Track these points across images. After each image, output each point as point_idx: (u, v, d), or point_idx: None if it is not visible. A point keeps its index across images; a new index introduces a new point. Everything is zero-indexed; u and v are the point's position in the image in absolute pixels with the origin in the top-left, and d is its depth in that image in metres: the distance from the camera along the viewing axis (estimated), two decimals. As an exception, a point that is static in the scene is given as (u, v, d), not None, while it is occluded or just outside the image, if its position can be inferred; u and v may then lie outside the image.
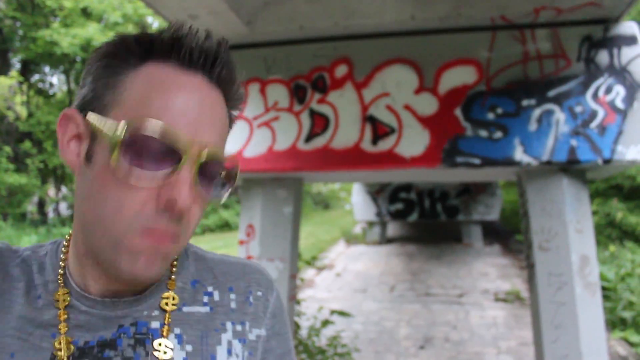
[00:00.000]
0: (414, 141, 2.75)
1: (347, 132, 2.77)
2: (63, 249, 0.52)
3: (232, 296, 0.54)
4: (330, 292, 7.06)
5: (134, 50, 0.46)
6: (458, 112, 2.75)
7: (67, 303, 0.48)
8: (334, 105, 2.79)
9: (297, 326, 3.59)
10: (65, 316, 0.48)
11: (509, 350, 4.61)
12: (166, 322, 0.50)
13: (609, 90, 2.72)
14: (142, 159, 0.42)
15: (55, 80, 14.37)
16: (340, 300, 6.52)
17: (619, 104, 2.72)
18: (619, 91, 2.73)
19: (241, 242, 2.95)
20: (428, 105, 2.76)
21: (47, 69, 12.92)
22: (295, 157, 2.78)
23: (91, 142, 0.45)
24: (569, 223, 2.77)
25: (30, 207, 11.90)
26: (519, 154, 2.71)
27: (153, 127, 0.42)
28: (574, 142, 2.71)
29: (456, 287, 7.23)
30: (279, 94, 2.81)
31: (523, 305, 6.10)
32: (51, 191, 12.35)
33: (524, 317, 5.57)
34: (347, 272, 8.46)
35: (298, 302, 3.60)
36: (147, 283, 0.48)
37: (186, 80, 0.45)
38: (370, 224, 11.01)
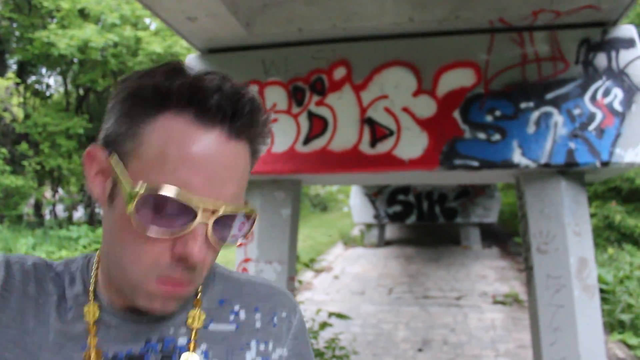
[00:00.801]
0: (412, 143, 2.75)
1: (345, 134, 2.77)
2: (94, 265, 0.54)
3: (258, 316, 0.56)
4: (328, 295, 7.05)
5: (151, 100, 0.46)
6: (456, 114, 2.76)
7: (96, 317, 0.51)
8: (332, 108, 2.79)
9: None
10: (95, 329, 0.50)
11: (507, 352, 4.62)
12: (192, 338, 0.52)
13: (607, 93, 2.73)
14: (158, 214, 0.45)
15: (52, 82, 14.35)
16: (338, 303, 6.51)
17: (617, 106, 2.73)
18: (617, 94, 2.74)
19: (239, 245, 2.94)
20: (426, 107, 2.76)
21: (44, 70, 12.91)
22: (294, 159, 2.78)
23: (114, 185, 0.47)
24: (567, 225, 2.78)
25: (27, 209, 11.86)
26: (517, 157, 2.71)
27: (169, 191, 0.43)
28: (572, 144, 2.72)
29: (454, 290, 7.24)
30: (277, 96, 2.81)
31: (521, 308, 6.11)
32: (48, 193, 12.31)
33: (522, 320, 5.57)
34: (345, 274, 8.45)
35: None
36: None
37: (202, 135, 0.45)
38: (369, 227, 10.94)
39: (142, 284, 0.46)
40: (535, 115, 2.74)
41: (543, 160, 2.71)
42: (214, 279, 0.57)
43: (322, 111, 2.79)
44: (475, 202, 10.14)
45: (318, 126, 2.79)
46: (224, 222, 0.47)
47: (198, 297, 0.55)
